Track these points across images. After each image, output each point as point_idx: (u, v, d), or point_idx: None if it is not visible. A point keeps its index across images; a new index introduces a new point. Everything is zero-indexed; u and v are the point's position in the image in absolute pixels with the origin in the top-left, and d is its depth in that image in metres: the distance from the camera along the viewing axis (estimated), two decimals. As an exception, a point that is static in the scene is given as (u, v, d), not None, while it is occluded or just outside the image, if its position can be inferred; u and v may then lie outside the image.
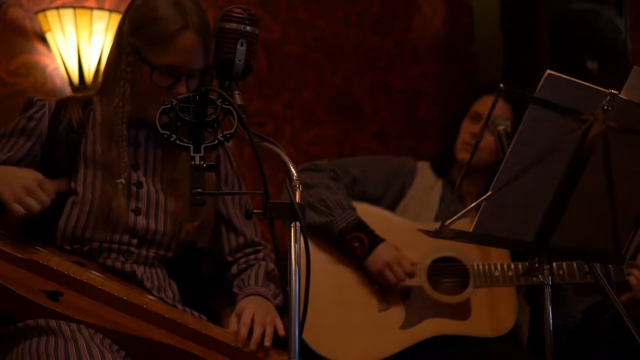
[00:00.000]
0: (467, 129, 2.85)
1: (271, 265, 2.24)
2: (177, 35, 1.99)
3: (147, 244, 2.08)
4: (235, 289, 2.19)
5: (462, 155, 2.85)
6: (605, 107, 1.75)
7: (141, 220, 2.06)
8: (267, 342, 2.00)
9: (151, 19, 2.02)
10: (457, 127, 2.89)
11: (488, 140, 2.77)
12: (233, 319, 2.05)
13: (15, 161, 2.05)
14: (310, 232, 2.65)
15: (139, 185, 2.09)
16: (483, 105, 2.85)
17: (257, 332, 1.99)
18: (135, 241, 2.06)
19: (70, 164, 2.05)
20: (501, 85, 1.71)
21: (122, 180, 2.03)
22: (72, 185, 2.04)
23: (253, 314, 2.03)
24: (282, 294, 2.22)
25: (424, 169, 2.94)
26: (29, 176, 1.92)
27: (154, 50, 2.00)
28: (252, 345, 1.98)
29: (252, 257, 2.25)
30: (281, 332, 2.03)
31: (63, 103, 2.12)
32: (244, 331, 1.99)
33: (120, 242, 2.04)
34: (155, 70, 2.00)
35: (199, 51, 2.00)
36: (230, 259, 2.25)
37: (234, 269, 2.24)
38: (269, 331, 2.01)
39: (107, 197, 2.02)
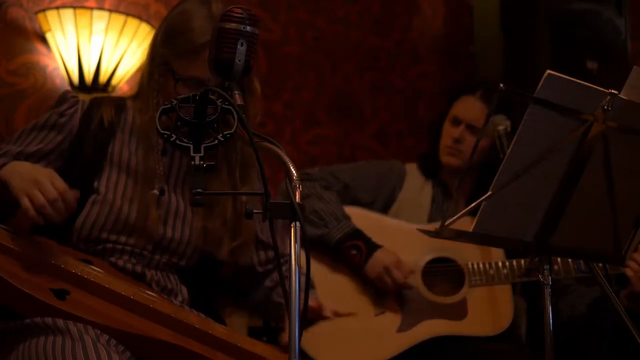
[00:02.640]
0: (448, 132, 2.86)
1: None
2: (204, 49, 1.97)
3: (161, 251, 2.08)
4: (278, 299, 2.23)
5: (446, 158, 2.86)
6: (605, 107, 1.75)
7: (159, 227, 2.07)
8: None
9: (181, 30, 2.04)
10: (439, 129, 2.90)
11: (471, 142, 2.79)
12: (285, 335, 2.10)
13: (44, 154, 2.06)
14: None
15: (161, 192, 2.09)
16: (460, 108, 2.86)
17: None
18: (150, 247, 2.06)
19: (96, 162, 2.06)
20: (501, 85, 1.71)
21: (156, 191, 2.04)
22: (95, 184, 2.04)
23: None
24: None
25: (412, 171, 2.95)
26: (39, 172, 1.90)
27: (181, 62, 2.02)
28: None
29: (284, 268, 2.25)
30: None
31: (97, 102, 2.14)
32: None
33: (135, 245, 2.05)
34: (180, 81, 2.01)
35: None
36: (260, 269, 2.27)
37: (269, 282, 2.27)
38: None
39: (143, 206, 2.03)
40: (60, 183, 1.88)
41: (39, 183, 1.86)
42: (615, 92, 1.76)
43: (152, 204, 2.03)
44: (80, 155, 2.06)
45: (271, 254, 2.26)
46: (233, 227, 2.10)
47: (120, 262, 2.04)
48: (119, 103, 2.15)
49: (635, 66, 1.80)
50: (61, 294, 1.88)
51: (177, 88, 2.02)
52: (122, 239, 2.04)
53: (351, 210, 2.78)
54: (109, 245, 2.03)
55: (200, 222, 2.10)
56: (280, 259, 2.26)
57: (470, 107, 2.83)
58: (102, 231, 2.02)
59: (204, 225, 2.10)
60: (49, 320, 1.83)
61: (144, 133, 2.08)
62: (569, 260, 2.58)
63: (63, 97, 2.12)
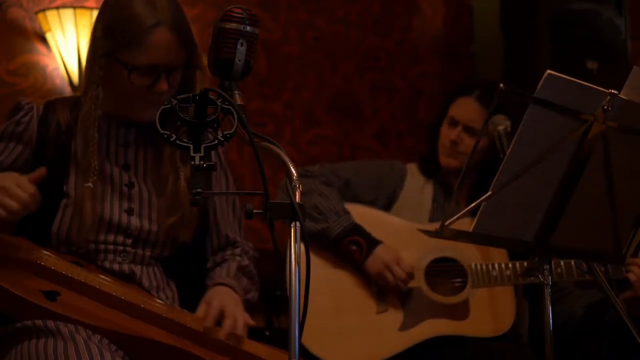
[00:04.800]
0: (446, 134, 2.85)
1: (246, 261, 2.22)
2: (149, 34, 1.97)
3: (143, 244, 2.07)
4: (207, 281, 2.17)
5: (444, 160, 2.85)
6: (605, 107, 1.75)
7: (135, 221, 2.05)
8: (240, 332, 1.99)
9: (122, 20, 2.00)
10: (436, 130, 2.90)
11: (468, 143, 2.79)
12: (202, 306, 2.04)
13: (6, 166, 2.03)
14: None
15: (131, 185, 2.08)
16: (457, 109, 2.85)
17: (228, 323, 1.99)
18: (129, 241, 2.05)
19: (61, 166, 2.04)
20: (501, 85, 1.71)
21: (90, 184, 2.01)
22: (64, 188, 2.03)
23: (222, 304, 2.02)
24: (256, 292, 2.23)
25: (413, 170, 2.94)
26: (4, 178, 1.91)
27: (129, 52, 1.99)
28: (223, 336, 1.97)
29: (229, 252, 2.24)
30: (250, 322, 2.04)
31: (51, 105, 2.11)
32: (211, 321, 1.98)
33: (115, 242, 2.04)
34: (133, 71, 1.99)
35: (174, 47, 2.00)
36: (209, 261, 2.24)
37: (210, 264, 2.23)
38: (240, 323, 2.01)
39: (80, 200, 2.01)
40: (26, 184, 1.90)
41: (6, 189, 1.87)
42: (615, 92, 1.76)
43: (86, 196, 2.01)
44: (44, 162, 2.03)
45: (223, 241, 2.23)
46: (171, 202, 2.07)
47: (107, 264, 2.03)
48: (73, 102, 2.12)
49: (635, 66, 1.80)
50: (52, 296, 1.88)
51: (131, 78, 2.00)
52: (101, 237, 2.03)
53: (353, 207, 2.77)
54: (91, 246, 2.02)
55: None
56: (230, 246, 2.25)
57: (467, 109, 2.83)
58: (79, 233, 2.01)
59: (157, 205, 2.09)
60: (39, 322, 1.83)
61: (82, 127, 2.05)
62: (572, 262, 2.57)
63: (17, 106, 2.09)
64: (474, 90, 2.84)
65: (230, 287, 2.10)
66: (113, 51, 2.00)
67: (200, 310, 2.03)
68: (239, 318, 2.02)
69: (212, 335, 1.97)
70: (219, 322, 2.01)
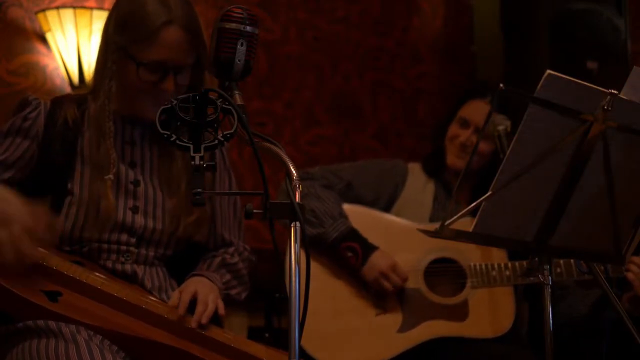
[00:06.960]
0: (455, 134, 2.84)
1: (235, 260, 2.21)
2: (161, 31, 1.98)
3: (146, 243, 2.07)
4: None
5: (452, 160, 2.85)
6: (605, 107, 1.75)
7: (139, 219, 2.05)
8: (204, 320, 1.97)
9: (135, 15, 2.01)
10: (444, 129, 2.89)
11: (479, 146, 2.78)
12: (175, 294, 2.03)
13: (12, 162, 2.03)
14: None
15: (136, 183, 2.08)
16: (469, 110, 2.85)
17: (199, 309, 1.98)
18: (133, 240, 2.05)
19: (67, 163, 2.04)
20: (501, 85, 1.71)
21: (111, 176, 2.01)
22: (69, 185, 2.03)
23: (195, 291, 2.01)
24: (244, 291, 2.22)
25: (415, 170, 2.94)
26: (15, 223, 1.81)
27: (139, 47, 2.00)
28: (193, 323, 1.96)
29: (221, 251, 2.24)
30: (221, 311, 2.02)
31: (58, 102, 2.11)
32: (182, 308, 1.97)
33: (119, 241, 2.04)
34: (141, 66, 2.00)
35: (184, 46, 2.00)
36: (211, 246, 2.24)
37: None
38: (211, 308, 1.99)
39: (96, 195, 2.01)
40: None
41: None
42: (615, 92, 1.76)
43: (108, 189, 2.00)
44: (49, 158, 2.03)
45: (219, 241, 2.22)
46: (185, 203, 2.07)
47: (109, 264, 2.03)
48: (80, 99, 2.13)
49: (635, 66, 1.80)
50: (53, 296, 1.88)
51: (139, 73, 2.00)
52: (105, 236, 2.03)
53: (353, 209, 2.77)
54: (95, 245, 2.02)
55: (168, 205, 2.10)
56: (228, 246, 2.25)
57: (480, 111, 2.82)
58: (83, 231, 2.01)
59: (166, 205, 2.09)
60: (41, 322, 1.83)
61: (95, 120, 2.05)
62: (572, 261, 2.57)
63: (25, 101, 2.09)
64: (487, 94, 2.84)
65: (207, 278, 2.09)
66: (124, 46, 2.01)
67: (173, 298, 2.01)
68: (210, 304, 1.99)
69: (198, 330, 1.97)
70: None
